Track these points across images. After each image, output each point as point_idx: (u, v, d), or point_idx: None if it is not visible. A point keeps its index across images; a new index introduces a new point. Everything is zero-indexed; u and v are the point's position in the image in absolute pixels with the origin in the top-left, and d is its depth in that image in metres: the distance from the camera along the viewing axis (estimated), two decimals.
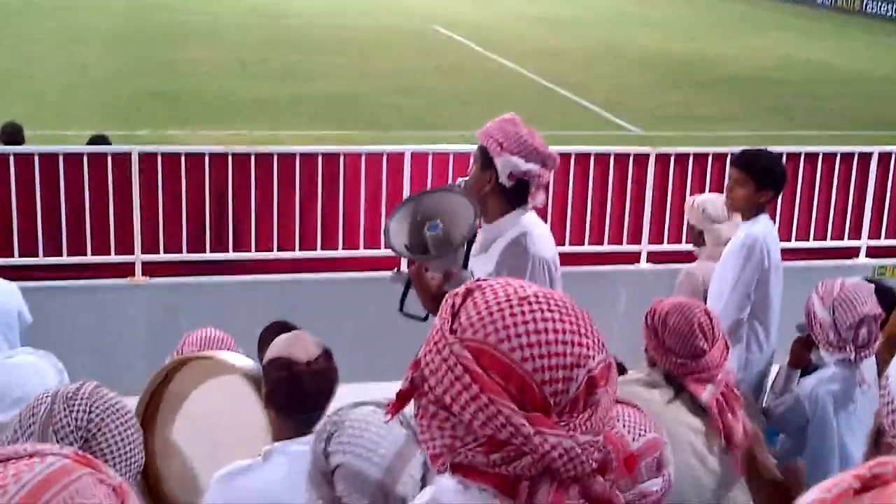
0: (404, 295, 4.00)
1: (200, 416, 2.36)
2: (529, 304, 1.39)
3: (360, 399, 2.46)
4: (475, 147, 4.19)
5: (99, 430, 2.05)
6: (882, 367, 4.60)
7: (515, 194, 4.05)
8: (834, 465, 4.16)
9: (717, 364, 3.21)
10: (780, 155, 7.00)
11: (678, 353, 3.21)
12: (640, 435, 2.56)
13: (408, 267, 3.95)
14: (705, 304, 3.98)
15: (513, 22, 32.49)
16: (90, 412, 2.07)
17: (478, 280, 1.47)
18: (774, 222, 5.52)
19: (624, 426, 2.56)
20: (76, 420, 2.05)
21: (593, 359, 1.37)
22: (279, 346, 3.07)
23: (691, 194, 7.42)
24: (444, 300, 1.45)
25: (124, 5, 30.16)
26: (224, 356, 2.40)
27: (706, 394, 3.16)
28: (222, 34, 26.26)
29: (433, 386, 1.38)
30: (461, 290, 1.45)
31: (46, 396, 2.12)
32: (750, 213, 5.17)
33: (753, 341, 5.09)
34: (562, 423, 1.34)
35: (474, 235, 3.96)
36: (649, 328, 3.31)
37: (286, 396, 2.94)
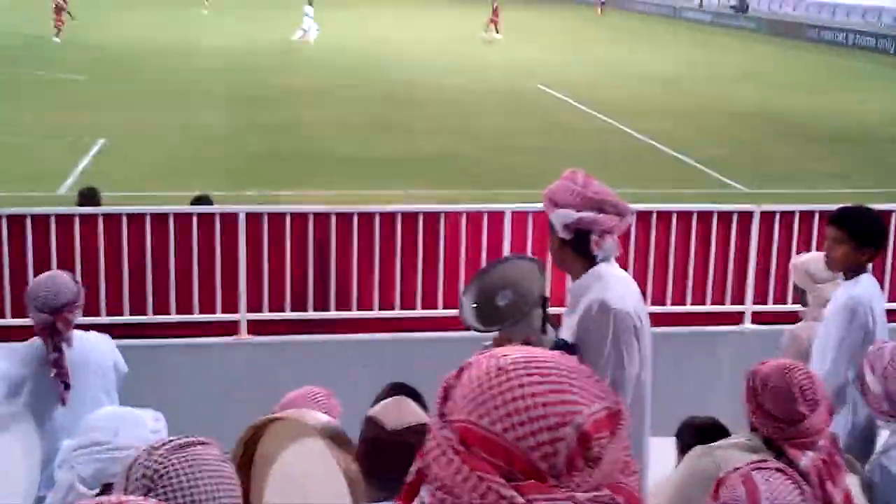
0: None
1: (288, 479, 2.38)
2: (506, 372, 1.37)
3: None
4: None
5: (173, 480, 2.03)
6: None
7: (584, 247, 4.04)
8: None
9: (819, 429, 3.13)
10: (885, 212, 6.86)
11: (777, 418, 3.15)
12: (776, 500, 2.53)
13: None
14: (809, 366, 3.90)
15: (615, 80, 32.49)
16: (167, 461, 2.07)
17: (473, 358, 1.46)
18: (881, 281, 5.39)
19: (768, 488, 2.56)
20: (150, 467, 2.04)
21: (582, 413, 1.34)
22: (380, 406, 3.12)
23: (797, 253, 7.29)
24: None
25: (231, 67, 30.98)
26: (301, 416, 2.44)
27: (806, 460, 3.08)
28: (330, 94, 26.79)
29: (436, 472, 1.39)
30: (455, 371, 1.45)
31: (142, 447, 2.16)
32: (851, 272, 5.07)
33: (860, 404, 4.85)
34: (560, 486, 1.32)
35: (545, 297, 3.99)
36: (750, 391, 3.26)
37: (363, 456, 2.98)
